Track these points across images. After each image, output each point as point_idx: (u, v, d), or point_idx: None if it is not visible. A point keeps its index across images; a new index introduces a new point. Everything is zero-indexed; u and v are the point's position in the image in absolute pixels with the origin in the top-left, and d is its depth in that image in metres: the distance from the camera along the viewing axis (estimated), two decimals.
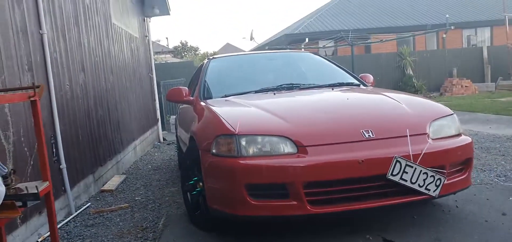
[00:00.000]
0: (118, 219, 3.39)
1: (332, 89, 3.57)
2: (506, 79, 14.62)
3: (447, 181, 2.47)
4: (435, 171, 2.40)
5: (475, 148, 5.06)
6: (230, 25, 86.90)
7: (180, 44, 44.72)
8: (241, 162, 2.43)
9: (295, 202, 2.36)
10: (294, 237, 2.69)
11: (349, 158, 2.37)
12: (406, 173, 2.35)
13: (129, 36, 6.85)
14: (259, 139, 2.51)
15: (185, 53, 45.72)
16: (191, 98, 3.83)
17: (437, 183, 2.40)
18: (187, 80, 13.08)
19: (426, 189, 2.39)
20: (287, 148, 2.45)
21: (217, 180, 2.60)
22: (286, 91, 3.52)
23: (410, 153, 2.40)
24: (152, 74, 8.69)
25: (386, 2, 19.99)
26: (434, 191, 2.41)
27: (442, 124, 2.71)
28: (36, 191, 1.84)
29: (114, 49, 5.72)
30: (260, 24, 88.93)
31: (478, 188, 3.43)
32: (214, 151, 2.59)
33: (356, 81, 3.89)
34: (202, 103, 3.46)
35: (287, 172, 2.38)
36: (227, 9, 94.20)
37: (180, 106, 5.61)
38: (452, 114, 2.83)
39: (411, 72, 14.96)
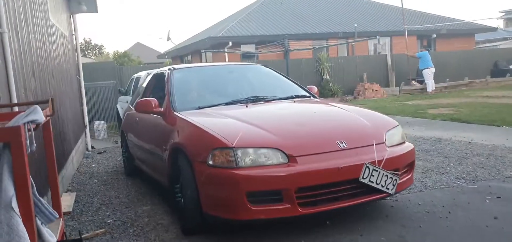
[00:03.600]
0: None
1: (294, 101, 4.03)
2: (407, 84, 16.45)
3: (399, 180, 2.98)
4: (392, 173, 2.92)
5: (416, 150, 5.61)
6: (139, 23, 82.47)
7: (83, 42, 41.44)
8: (241, 172, 2.70)
9: (288, 205, 2.71)
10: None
11: (331, 166, 2.79)
12: (373, 176, 2.85)
13: (61, 34, 6.12)
14: (253, 151, 2.79)
15: (88, 51, 42.47)
16: (161, 109, 3.92)
17: (394, 183, 2.92)
18: (117, 84, 12.32)
19: (386, 188, 2.90)
20: (279, 158, 2.78)
21: (216, 188, 2.83)
22: (254, 104, 3.85)
23: (376, 160, 2.89)
24: (79, 76, 7.89)
25: (301, 10, 21.05)
26: (392, 189, 2.92)
27: (393, 133, 3.26)
28: (79, 237, 1.53)
29: (52, 50, 5.05)
30: (174, 24, 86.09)
31: (452, 192, 3.76)
32: (210, 162, 2.83)
33: (306, 93, 4.40)
34: (179, 115, 3.61)
35: (282, 180, 2.71)
36: (132, 5, 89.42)
37: (129, 112, 5.32)
38: (398, 125, 3.39)
39: (328, 77, 15.96)
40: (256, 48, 16.47)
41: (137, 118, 4.75)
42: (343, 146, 2.93)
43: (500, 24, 40.76)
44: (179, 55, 22.19)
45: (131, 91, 8.91)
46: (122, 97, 10.01)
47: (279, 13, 20.23)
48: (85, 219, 3.74)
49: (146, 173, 4.62)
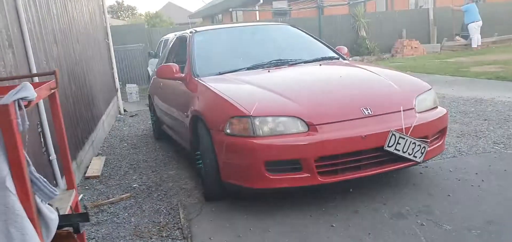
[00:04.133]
0: (126, 214, 3.02)
1: (320, 64, 3.76)
2: (450, 40, 15.44)
3: (429, 148, 2.81)
4: (421, 140, 2.74)
5: (453, 112, 5.27)
6: None
7: (115, 4, 41.92)
8: (260, 141, 2.62)
9: (307, 174, 2.61)
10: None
11: (353, 135, 2.63)
12: (399, 144, 2.68)
13: None
14: (272, 119, 2.68)
15: (121, 13, 42.97)
16: (182, 75, 3.84)
17: (422, 151, 2.75)
18: (146, 46, 12.42)
19: (413, 156, 2.73)
20: (299, 127, 2.66)
21: (234, 157, 2.76)
22: (277, 68, 3.67)
23: (403, 127, 2.70)
24: (108, 40, 7.93)
25: None
26: (419, 158, 2.75)
27: (424, 98, 3.02)
28: (85, 211, 1.50)
29: (76, 13, 5.04)
30: None
31: (488, 157, 3.50)
32: (228, 131, 2.76)
33: (335, 55, 4.13)
34: (200, 81, 3.51)
35: (301, 149, 2.59)
36: None
37: (155, 77, 5.29)
38: (430, 89, 3.14)
39: (364, 34, 15.26)
40: (289, 5, 15.92)
41: (161, 84, 4.71)
42: (368, 112, 2.76)
43: None
44: (210, 14, 21.96)
45: (160, 54, 8.91)
46: (152, 60, 10.06)
47: None
48: (113, 183, 3.81)
49: (172, 137, 4.63)
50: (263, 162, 2.60)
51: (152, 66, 9.79)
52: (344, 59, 4.16)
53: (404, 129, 2.70)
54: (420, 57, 13.93)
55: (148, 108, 6.44)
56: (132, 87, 9.96)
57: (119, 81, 8.62)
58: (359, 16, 15.22)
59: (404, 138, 2.69)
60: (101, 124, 5.65)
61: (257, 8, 15.62)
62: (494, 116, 4.90)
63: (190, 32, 4.33)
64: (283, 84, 3.18)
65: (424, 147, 2.76)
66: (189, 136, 3.53)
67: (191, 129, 3.44)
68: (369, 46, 14.94)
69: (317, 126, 2.64)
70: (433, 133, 2.92)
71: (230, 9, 16.02)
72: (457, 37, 15.37)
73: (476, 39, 14.12)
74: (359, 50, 14.53)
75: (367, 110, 2.76)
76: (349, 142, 2.62)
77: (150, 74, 9.79)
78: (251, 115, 2.66)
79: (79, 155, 3.99)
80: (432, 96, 3.11)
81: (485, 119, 4.77)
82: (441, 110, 3.08)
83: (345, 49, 4.40)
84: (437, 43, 15.71)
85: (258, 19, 15.61)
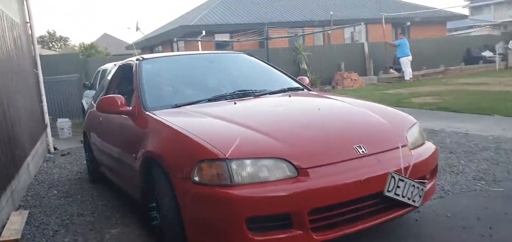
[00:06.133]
0: None
1: (289, 95, 3.43)
2: (385, 72, 16.21)
3: (425, 190, 2.48)
4: (419, 181, 2.41)
5: None
6: (106, 14, 78.99)
7: (47, 34, 39.40)
8: (238, 191, 2.11)
9: (300, 232, 2.14)
10: None
11: (351, 179, 2.22)
12: (399, 187, 2.31)
13: (10, 20, 5.26)
14: (252, 162, 2.19)
15: (54, 43, 40.44)
16: (129, 108, 3.23)
17: (420, 194, 2.41)
18: (81, 76, 11.33)
19: (412, 200, 2.38)
20: (286, 171, 2.19)
21: (205, 212, 2.23)
22: (242, 99, 3.23)
23: (402, 167, 2.34)
24: (37, 70, 6.99)
25: None
26: (418, 201, 2.41)
27: (413, 132, 2.72)
28: None
29: None
30: (142, 14, 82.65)
31: (478, 197, 3.25)
32: (196, 178, 2.22)
33: (299, 86, 3.81)
34: (152, 115, 2.95)
35: (292, 200, 2.12)
36: None
37: (92, 111, 4.62)
38: (416, 122, 2.84)
39: (305, 67, 15.46)
40: (231, 37, 15.76)
41: (100, 118, 4.04)
42: (363, 151, 2.36)
43: (465, 12, 41.67)
44: (148, 45, 21.17)
45: (97, 85, 8.09)
46: (87, 92, 9.15)
47: (253, 1, 19.53)
48: None
49: (114, 181, 3.94)
50: (244, 219, 2.09)
51: (87, 98, 8.89)
52: (308, 90, 3.85)
53: (403, 170, 2.34)
54: (360, 88, 14.36)
55: (82, 144, 5.63)
56: (64, 122, 8.93)
57: (50, 115, 7.62)
58: (300, 49, 15.44)
59: (403, 180, 2.32)
60: (25, 168, 4.75)
61: (199, 39, 15.22)
62: (456, 148, 4.86)
63: (136, 60, 3.74)
64: (257, 118, 2.72)
65: (422, 189, 2.41)
66: (139, 182, 2.92)
67: (142, 174, 2.85)
68: (310, 79, 15.11)
69: (308, 170, 2.19)
70: (428, 172, 2.62)
71: (175, 39, 15.42)
72: (391, 70, 16.21)
73: (408, 72, 15.01)
74: None
75: (361, 148, 2.37)
76: (346, 188, 2.20)
77: (85, 108, 8.86)
78: (227, 158, 2.15)
79: None
80: (419, 130, 2.82)
81: (451, 152, 4.70)
82: (430, 146, 2.77)
83: (307, 80, 4.08)
84: (373, 75, 16.41)
85: (200, 50, 15.21)
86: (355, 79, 15.25)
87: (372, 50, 16.87)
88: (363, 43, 17.39)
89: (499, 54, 17.67)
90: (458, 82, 13.09)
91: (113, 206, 3.87)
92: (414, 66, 15.49)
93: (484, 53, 19.11)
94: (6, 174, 3.81)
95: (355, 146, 2.37)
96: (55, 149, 7.26)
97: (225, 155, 2.17)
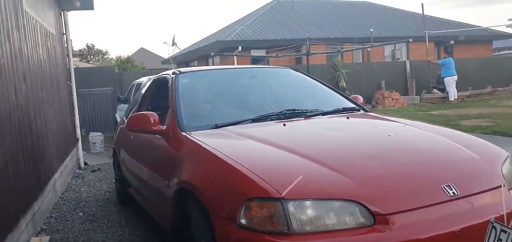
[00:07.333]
0: None
1: (347, 117, 2.93)
2: (428, 92, 15.31)
3: None
4: None
5: None
6: (143, 28, 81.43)
7: (86, 47, 40.75)
8: None
9: None
10: None
11: (443, 229, 1.69)
12: (500, 240, 1.76)
13: (45, 31, 5.07)
14: (315, 204, 1.70)
15: (92, 57, 41.73)
16: (162, 127, 2.79)
17: None
18: (115, 90, 11.31)
19: None
20: (359, 218, 1.69)
21: None
22: (291, 120, 2.75)
23: (505, 213, 1.79)
24: (70, 82, 6.83)
25: (314, 14, 20.01)
26: None
27: (509, 169, 2.17)
28: None
29: (27, 47, 3.99)
30: (178, 29, 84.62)
31: None
32: (243, 221, 1.76)
33: (355, 106, 3.30)
34: (190, 137, 2.50)
35: None
36: (138, 10, 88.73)
37: (122, 127, 4.29)
38: (509, 155, 2.31)
39: (344, 84, 14.84)
40: (267, 53, 15.42)
41: (131, 137, 3.66)
42: (453, 193, 1.82)
43: (510, 30, 39.68)
44: (184, 60, 21.21)
45: (131, 99, 7.87)
46: (121, 106, 8.97)
47: (290, 16, 19.19)
48: None
49: (142, 205, 3.54)
50: None
51: (120, 112, 8.70)
52: (365, 110, 3.31)
53: (505, 216, 1.80)
54: (402, 109, 13.57)
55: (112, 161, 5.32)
56: (96, 136, 8.76)
57: (82, 129, 7.44)
58: (338, 66, 14.86)
59: (506, 232, 1.77)
60: (51, 186, 4.46)
61: (235, 53, 14.98)
62: None
63: (172, 74, 3.34)
64: (316, 146, 2.22)
65: None
66: (172, 215, 2.49)
67: (175, 205, 2.41)
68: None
69: (388, 217, 1.68)
70: None
71: (212, 54, 15.25)
72: (434, 90, 15.30)
73: (453, 92, 14.07)
74: None
75: (452, 189, 1.83)
76: (439, 241, 1.67)
77: (118, 121, 8.68)
78: (283, 198, 1.68)
79: (7, 239, 2.80)
80: None
81: None
82: None
83: (361, 99, 3.53)
84: (415, 95, 15.54)
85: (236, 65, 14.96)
86: (396, 99, 14.48)
87: (414, 69, 16.05)
88: (404, 62, 16.58)
89: None
90: (508, 105, 12.14)
91: (142, 236, 3.45)
92: (459, 87, 14.54)
93: None
94: (28, 195, 3.48)
95: (444, 185, 1.85)
96: (85, 164, 7.04)
97: (280, 194, 1.69)
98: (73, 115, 6.85)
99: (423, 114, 11.51)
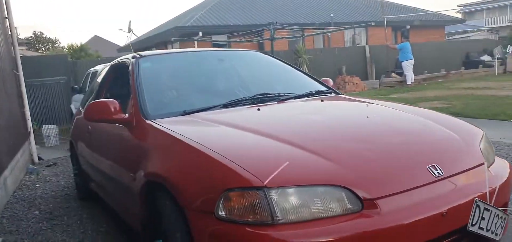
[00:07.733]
0: None
1: (322, 100, 2.81)
2: (387, 77, 15.73)
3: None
4: (501, 210, 1.85)
5: None
6: (97, 15, 77.71)
7: (33, 36, 38.35)
8: (282, 234, 1.50)
9: None
10: None
11: (431, 211, 1.63)
12: (483, 219, 1.77)
13: None
14: (299, 191, 1.58)
15: (41, 46, 39.42)
16: (125, 116, 2.56)
17: (502, 225, 1.86)
18: (69, 79, 10.64)
19: (495, 234, 1.82)
20: (346, 203, 1.59)
21: None
22: (264, 105, 2.62)
23: (487, 192, 1.81)
24: (18, 72, 6.30)
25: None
26: (500, 234, 1.86)
27: (485, 147, 2.16)
28: None
29: None
30: (134, 15, 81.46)
31: None
32: (222, 213, 1.62)
33: (326, 88, 3.21)
34: (156, 125, 2.31)
35: None
36: None
37: (79, 117, 4.00)
38: (484, 133, 2.29)
39: (307, 70, 14.92)
40: (229, 38, 15.17)
41: (89, 127, 3.39)
42: (439, 173, 1.78)
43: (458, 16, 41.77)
44: (142, 47, 20.43)
45: (87, 89, 7.43)
46: (76, 96, 8.48)
47: (251, 1, 18.98)
48: None
49: (106, 201, 3.30)
50: None
51: (75, 103, 8.22)
52: (337, 93, 3.24)
53: (488, 195, 1.80)
54: (362, 93, 13.85)
55: (70, 154, 4.98)
56: (50, 129, 8.22)
57: (34, 122, 6.93)
58: (301, 52, 14.89)
59: (488, 209, 1.77)
60: (0, 184, 4.07)
61: (196, 39, 14.60)
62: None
63: (132, 57, 3.06)
64: (294, 130, 2.09)
65: (504, 219, 1.87)
66: (140, 210, 2.29)
67: (143, 201, 2.22)
68: None
69: (376, 201, 1.59)
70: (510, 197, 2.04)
71: (171, 39, 14.74)
72: (393, 74, 15.75)
73: (410, 76, 14.56)
74: None
75: (437, 170, 1.78)
76: (427, 224, 1.61)
77: (74, 113, 8.20)
78: (265, 186, 1.55)
79: None
80: (490, 144, 2.25)
81: None
82: (503, 163, 2.20)
83: (331, 82, 3.46)
84: (375, 79, 15.92)
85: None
86: (357, 84, 14.75)
87: (373, 53, 16.41)
88: (364, 46, 16.90)
89: (498, 58, 17.39)
90: (461, 87, 12.75)
91: (106, 232, 3.21)
92: (415, 70, 15.06)
93: (483, 58, 18.86)
94: None
95: (429, 165, 1.80)
96: (39, 159, 6.57)
97: (263, 182, 1.56)
98: (23, 107, 6.35)
99: (384, 98, 11.82)
